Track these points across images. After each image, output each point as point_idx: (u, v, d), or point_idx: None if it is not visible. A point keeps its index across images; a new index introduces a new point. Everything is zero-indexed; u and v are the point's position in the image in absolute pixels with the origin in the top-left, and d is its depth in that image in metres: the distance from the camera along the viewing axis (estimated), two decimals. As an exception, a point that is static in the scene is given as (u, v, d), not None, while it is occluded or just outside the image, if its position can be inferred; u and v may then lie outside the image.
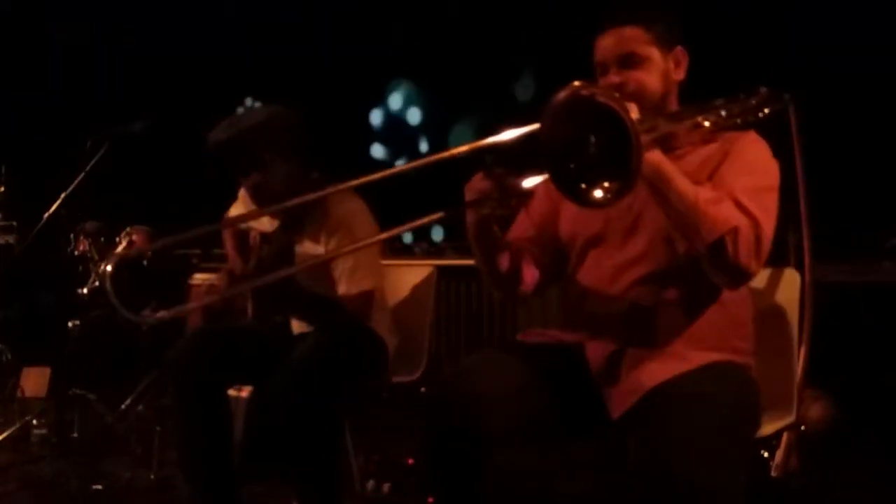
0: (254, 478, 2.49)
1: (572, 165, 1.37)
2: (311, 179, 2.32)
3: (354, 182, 1.43)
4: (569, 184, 1.37)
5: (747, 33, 3.52)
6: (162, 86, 4.87)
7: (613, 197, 1.33)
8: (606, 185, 1.33)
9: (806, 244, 2.38)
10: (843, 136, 3.33)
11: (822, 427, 2.75)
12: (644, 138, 1.36)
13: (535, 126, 1.39)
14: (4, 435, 3.13)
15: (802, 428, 2.54)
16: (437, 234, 4.55)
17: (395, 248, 4.01)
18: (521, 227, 1.78)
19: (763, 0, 3.57)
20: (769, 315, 1.86)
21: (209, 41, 4.99)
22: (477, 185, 1.49)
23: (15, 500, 2.66)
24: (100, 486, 2.71)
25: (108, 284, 1.24)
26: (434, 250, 4.19)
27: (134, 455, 2.98)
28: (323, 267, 2.25)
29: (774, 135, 1.64)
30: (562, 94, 1.35)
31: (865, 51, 3.44)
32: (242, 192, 2.39)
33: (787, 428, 1.86)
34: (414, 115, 4.99)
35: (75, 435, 3.15)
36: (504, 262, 1.68)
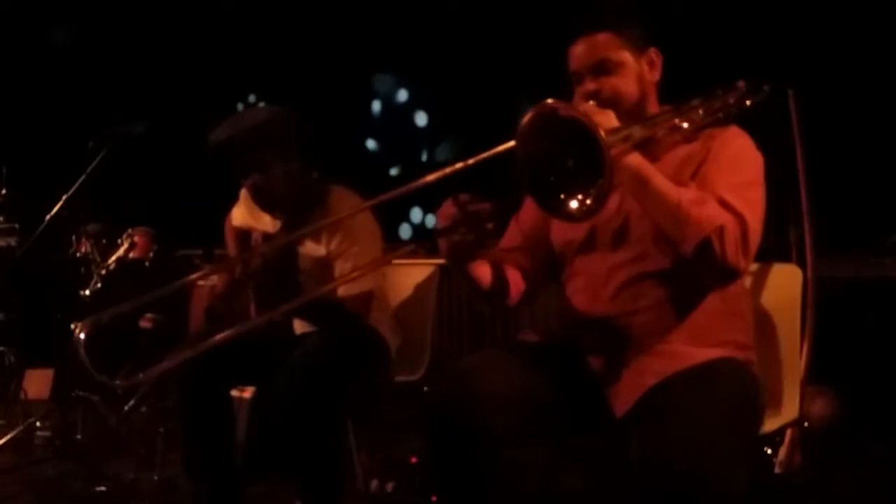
0: (257, 478, 2.49)
1: (552, 180, 1.39)
2: (311, 179, 2.32)
3: (372, 201, 1.45)
4: (548, 198, 1.39)
5: (748, 27, 3.52)
6: (162, 87, 4.88)
7: (590, 208, 1.35)
8: (580, 196, 1.35)
9: (808, 240, 2.38)
10: (845, 131, 3.33)
11: (826, 423, 2.75)
12: (620, 147, 1.39)
13: (510, 144, 1.40)
14: (8, 437, 3.13)
15: (805, 424, 2.54)
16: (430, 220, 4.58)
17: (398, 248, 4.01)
18: (510, 236, 1.80)
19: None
20: (771, 312, 1.87)
21: (209, 40, 4.99)
22: (446, 211, 1.50)
23: (18, 502, 2.67)
24: (103, 488, 2.72)
25: (81, 352, 1.24)
26: (436, 249, 4.19)
27: (137, 456, 2.98)
28: (325, 267, 2.25)
29: (776, 131, 1.63)
30: (527, 116, 1.37)
31: (868, 47, 3.44)
32: (244, 194, 2.40)
33: (791, 424, 1.86)
34: (421, 118, 5.00)
35: (79, 437, 3.15)
36: (486, 279, 1.67)
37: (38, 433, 3.23)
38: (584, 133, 1.32)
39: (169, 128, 3.84)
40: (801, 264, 2.12)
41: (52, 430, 3.20)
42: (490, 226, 1.48)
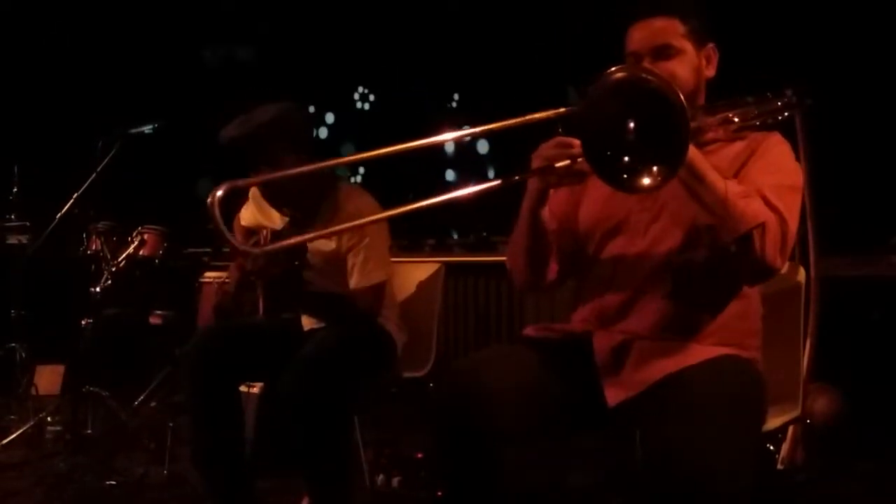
0: (265, 473, 2.51)
1: (609, 150, 1.34)
2: (321, 176, 2.35)
3: (343, 160, 1.43)
4: (607, 168, 1.35)
5: (752, 29, 3.53)
6: (172, 86, 4.91)
7: (660, 183, 1.31)
8: (654, 170, 1.31)
9: (811, 238, 2.39)
10: (850, 130, 3.33)
11: (828, 420, 2.76)
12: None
13: (571, 108, 1.37)
14: (19, 432, 3.17)
15: (808, 421, 2.55)
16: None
17: (404, 246, 4.03)
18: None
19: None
20: (775, 309, 1.87)
21: (218, 39, 5.03)
22: (547, 152, 1.47)
23: (30, 495, 2.69)
24: (113, 482, 2.74)
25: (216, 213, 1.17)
26: (441, 246, 4.22)
27: (147, 451, 3.01)
28: (335, 262, 2.28)
29: (779, 129, 1.64)
30: (618, 74, 1.31)
31: (871, 49, 3.44)
32: (252, 193, 2.42)
33: (793, 421, 1.88)
34: (482, 145, 5.15)
35: (89, 431, 3.17)
36: (548, 240, 1.66)
37: (49, 428, 3.26)
38: (662, 105, 1.27)
39: (179, 127, 3.86)
40: (805, 263, 2.13)
41: (63, 424, 3.23)
42: (586, 170, 1.44)
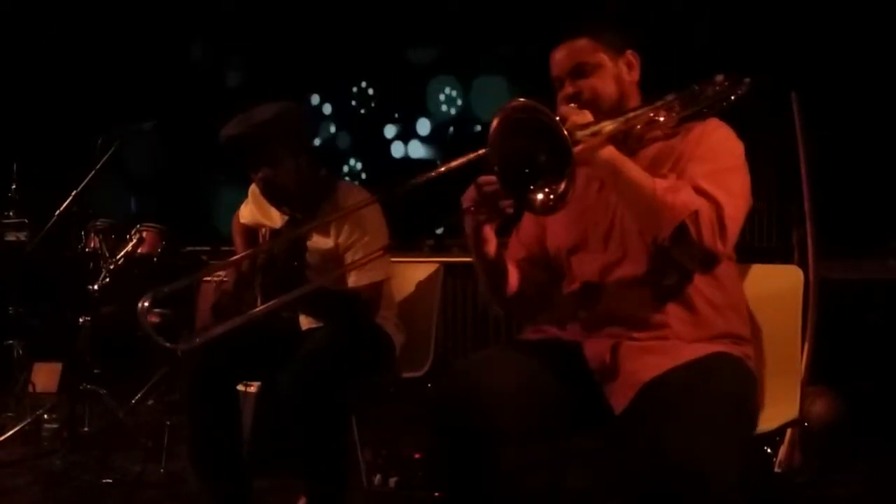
0: (262, 472, 2.51)
1: (526, 175, 1.44)
2: (320, 175, 2.35)
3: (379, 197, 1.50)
4: (523, 195, 1.45)
5: (754, 29, 3.53)
6: (171, 85, 4.91)
7: (556, 199, 1.40)
8: (547, 189, 1.41)
9: (810, 241, 2.40)
10: (848, 133, 3.34)
11: (826, 423, 2.76)
12: (591, 141, 1.44)
13: (483, 151, 1.46)
14: (16, 429, 3.16)
15: (806, 424, 2.55)
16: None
17: (402, 246, 4.03)
18: (513, 249, 1.85)
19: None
20: (773, 312, 1.87)
21: (217, 38, 5.02)
22: (470, 194, 1.56)
23: (26, 493, 2.69)
24: (110, 480, 2.74)
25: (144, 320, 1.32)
26: (440, 247, 4.22)
27: (144, 449, 3.00)
28: (333, 260, 2.28)
29: (779, 133, 1.65)
30: (495, 120, 1.43)
31: (872, 50, 3.45)
32: (252, 191, 2.42)
33: (791, 424, 1.87)
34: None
35: (86, 429, 3.18)
36: (503, 271, 1.74)
37: (46, 425, 3.26)
38: (550, 128, 1.38)
39: (178, 125, 3.86)
40: (803, 265, 2.13)
41: (60, 422, 3.23)
42: (507, 206, 1.53)
